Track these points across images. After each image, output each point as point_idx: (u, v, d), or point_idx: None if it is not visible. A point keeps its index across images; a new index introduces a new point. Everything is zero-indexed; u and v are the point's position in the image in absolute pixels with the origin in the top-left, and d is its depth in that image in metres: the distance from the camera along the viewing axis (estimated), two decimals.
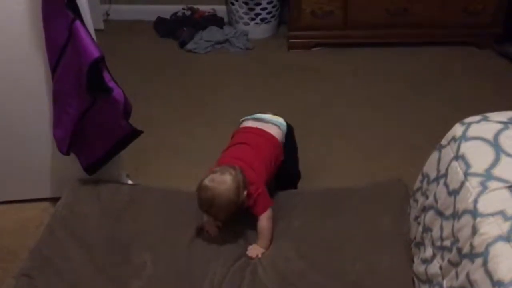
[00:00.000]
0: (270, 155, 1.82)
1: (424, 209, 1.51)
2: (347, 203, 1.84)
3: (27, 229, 2.18)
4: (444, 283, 1.27)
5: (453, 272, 1.23)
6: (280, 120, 1.94)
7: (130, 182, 2.20)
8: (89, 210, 1.88)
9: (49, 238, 1.75)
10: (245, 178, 1.67)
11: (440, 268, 1.31)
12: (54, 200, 2.17)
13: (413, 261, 1.56)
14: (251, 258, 1.70)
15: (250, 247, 1.73)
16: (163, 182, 2.13)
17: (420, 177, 1.62)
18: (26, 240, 2.00)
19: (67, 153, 1.96)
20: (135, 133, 1.89)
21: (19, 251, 2.01)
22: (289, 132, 1.98)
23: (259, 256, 1.70)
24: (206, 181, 1.64)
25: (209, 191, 1.62)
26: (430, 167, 1.53)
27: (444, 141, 1.49)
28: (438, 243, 1.36)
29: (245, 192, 1.66)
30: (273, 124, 1.91)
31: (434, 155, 1.53)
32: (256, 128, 1.89)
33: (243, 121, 1.98)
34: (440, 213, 1.38)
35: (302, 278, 1.59)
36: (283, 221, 1.82)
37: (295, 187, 2.04)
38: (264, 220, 1.72)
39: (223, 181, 1.63)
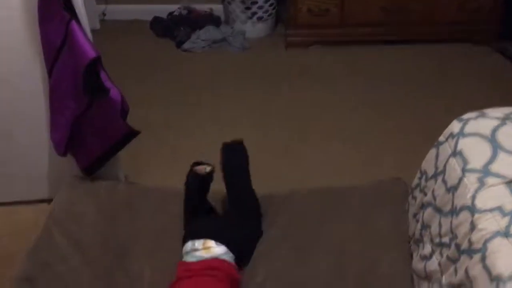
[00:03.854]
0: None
1: (423, 206, 1.51)
2: (346, 202, 1.84)
3: (24, 231, 2.17)
4: (443, 279, 1.27)
5: (452, 268, 1.23)
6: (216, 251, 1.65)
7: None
8: (85, 210, 1.85)
9: (46, 240, 1.73)
10: None
11: (439, 264, 1.31)
12: (51, 201, 2.16)
13: (412, 258, 1.56)
14: None
15: None
16: (161, 183, 2.12)
17: (418, 174, 1.62)
18: (24, 243, 1.99)
19: (64, 154, 1.95)
20: (133, 133, 1.89)
21: (16, 254, 2.01)
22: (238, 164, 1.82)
23: None
24: None
25: None
26: (428, 164, 1.53)
27: (442, 138, 1.49)
28: (437, 240, 1.36)
29: None
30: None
31: (432, 152, 1.52)
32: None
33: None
34: (438, 210, 1.38)
35: (301, 279, 1.58)
36: (280, 221, 1.81)
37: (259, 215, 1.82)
38: None
39: None
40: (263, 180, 1.98)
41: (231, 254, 1.66)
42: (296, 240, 1.73)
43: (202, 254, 1.63)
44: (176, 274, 1.61)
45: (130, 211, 1.88)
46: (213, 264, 1.60)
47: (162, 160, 2.46)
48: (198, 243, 1.66)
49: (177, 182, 2.14)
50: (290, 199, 1.91)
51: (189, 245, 1.67)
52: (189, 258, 1.65)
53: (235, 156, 1.85)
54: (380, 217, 1.74)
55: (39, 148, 2.10)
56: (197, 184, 1.83)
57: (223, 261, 1.63)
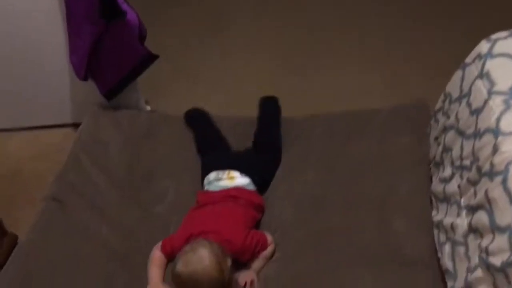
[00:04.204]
0: (243, 216, 1.57)
1: (445, 129, 1.49)
2: (367, 125, 1.83)
3: (51, 154, 2.24)
4: (462, 201, 1.28)
5: (471, 191, 1.24)
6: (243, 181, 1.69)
7: (148, 108, 2.21)
8: (110, 137, 1.90)
9: (73, 164, 1.79)
10: (223, 248, 1.41)
11: (459, 187, 1.32)
12: (75, 125, 2.20)
13: (431, 181, 1.57)
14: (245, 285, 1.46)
15: (243, 274, 1.48)
16: (181, 109, 2.14)
17: (442, 97, 1.58)
18: (52, 165, 2.06)
19: (85, 79, 1.96)
20: (151, 58, 1.87)
21: (46, 175, 2.08)
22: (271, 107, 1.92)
23: (255, 281, 1.47)
24: (180, 267, 1.34)
25: (187, 277, 1.33)
26: (453, 87, 1.49)
27: (468, 59, 1.44)
28: (458, 163, 1.35)
29: (229, 262, 1.39)
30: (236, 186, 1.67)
31: (458, 74, 1.48)
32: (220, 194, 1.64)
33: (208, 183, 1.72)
34: (461, 133, 1.36)
35: (321, 202, 1.61)
36: (300, 145, 1.82)
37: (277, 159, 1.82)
38: (270, 248, 1.53)
39: (199, 260, 1.34)
40: (283, 104, 1.98)
41: (253, 185, 1.69)
42: (316, 162, 1.75)
43: (226, 184, 1.67)
44: (196, 200, 1.66)
45: (153, 138, 1.92)
46: (233, 192, 1.64)
47: (181, 85, 2.45)
48: (223, 173, 1.69)
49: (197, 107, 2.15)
50: (310, 122, 1.91)
51: (212, 175, 1.70)
52: (211, 188, 1.69)
53: (271, 107, 1.96)
54: (401, 140, 1.73)
55: (62, 75, 2.12)
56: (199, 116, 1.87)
57: (244, 189, 1.66)
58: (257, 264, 1.50)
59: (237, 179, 1.68)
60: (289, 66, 2.55)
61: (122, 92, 2.02)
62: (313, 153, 1.78)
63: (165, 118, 2.03)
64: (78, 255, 1.50)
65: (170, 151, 1.87)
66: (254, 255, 1.48)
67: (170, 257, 1.48)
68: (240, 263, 1.48)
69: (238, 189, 1.65)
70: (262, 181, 1.72)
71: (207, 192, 1.68)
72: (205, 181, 1.72)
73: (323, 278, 1.40)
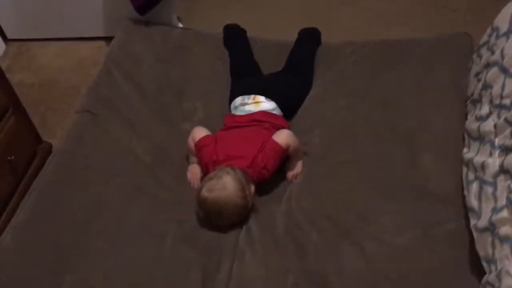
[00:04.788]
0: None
1: (488, 65, 1.42)
2: (405, 55, 1.76)
3: (85, 66, 2.26)
4: (496, 141, 1.25)
5: (508, 131, 1.20)
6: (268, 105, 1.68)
7: (181, 25, 2.17)
8: (142, 52, 1.89)
9: (106, 78, 1.80)
10: (247, 174, 1.44)
11: (495, 126, 1.28)
12: (108, 39, 2.20)
13: (466, 118, 1.53)
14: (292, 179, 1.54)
15: (288, 174, 1.54)
16: (214, 28, 2.09)
17: (489, 31, 1.50)
18: (85, 77, 2.08)
19: None
20: None
21: (80, 87, 2.12)
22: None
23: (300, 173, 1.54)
24: (205, 193, 1.38)
25: (211, 203, 1.38)
26: (502, 20, 1.41)
27: None
28: (497, 101, 1.30)
29: (252, 188, 1.43)
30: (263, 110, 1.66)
31: (508, 7, 1.39)
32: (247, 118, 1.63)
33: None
34: (505, 70, 1.30)
35: (350, 131, 1.60)
36: (334, 71, 1.78)
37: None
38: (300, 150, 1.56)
39: (223, 187, 1.38)
40: (323, 27, 1.91)
41: (279, 110, 1.68)
42: (349, 89, 1.71)
43: (251, 108, 1.66)
44: (224, 122, 1.67)
45: (185, 55, 1.90)
46: (258, 116, 1.63)
47: (215, 3, 2.38)
48: (248, 98, 1.68)
49: None
50: (346, 49, 1.85)
51: (238, 99, 1.70)
52: (237, 112, 1.68)
53: (310, 35, 1.91)
54: (439, 73, 1.67)
55: None
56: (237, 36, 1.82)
57: (270, 113, 1.65)
58: (294, 164, 1.55)
59: (263, 104, 1.67)
60: None
61: (154, 8, 1.98)
62: (347, 80, 1.74)
63: (198, 35, 1.99)
64: (109, 165, 1.55)
65: (201, 70, 1.85)
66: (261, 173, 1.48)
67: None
68: (264, 184, 1.51)
69: (263, 113, 1.65)
70: (289, 106, 1.71)
71: (234, 116, 1.68)
72: (232, 105, 1.72)
73: (344, 205, 1.42)
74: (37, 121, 1.91)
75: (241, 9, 2.34)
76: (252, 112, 1.65)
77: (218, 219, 1.40)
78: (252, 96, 1.69)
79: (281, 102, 1.69)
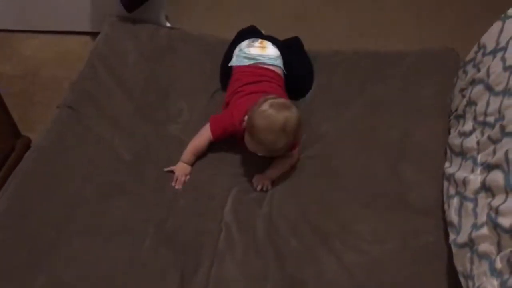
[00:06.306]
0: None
1: (473, 82, 1.44)
2: (393, 67, 1.77)
3: (69, 61, 2.22)
4: (479, 158, 1.26)
5: (490, 148, 1.21)
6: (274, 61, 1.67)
7: (168, 24, 2.15)
8: (127, 49, 1.86)
9: (90, 73, 1.77)
10: None
11: (478, 143, 1.29)
12: (93, 34, 2.16)
13: (449, 133, 1.54)
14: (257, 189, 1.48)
15: (256, 177, 1.50)
16: (201, 29, 2.07)
17: (475, 48, 1.51)
18: (68, 72, 2.04)
19: None
20: None
21: (63, 81, 2.08)
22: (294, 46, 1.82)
23: (268, 187, 1.49)
24: (265, 107, 1.35)
25: (273, 117, 1.34)
26: (489, 38, 1.42)
27: (510, 11, 1.36)
28: (481, 118, 1.32)
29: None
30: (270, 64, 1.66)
31: (496, 26, 1.41)
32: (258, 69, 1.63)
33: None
34: (489, 88, 1.31)
35: (333, 140, 1.60)
36: (321, 79, 1.78)
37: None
38: (296, 156, 1.54)
39: (283, 104, 1.37)
40: (308, 38, 1.91)
41: (281, 61, 1.66)
42: (333, 99, 1.72)
43: (256, 52, 1.64)
44: (224, 101, 1.64)
45: (171, 54, 1.88)
46: (269, 73, 1.61)
47: (204, 5, 2.37)
48: (255, 41, 1.68)
49: (217, 29, 2.08)
50: (334, 58, 1.85)
51: (245, 42, 1.68)
52: (240, 59, 1.65)
53: (294, 41, 1.86)
54: (424, 86, 1.69)
55: None
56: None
57: (273, 71, 1.63)
58: (273, 171, 1.50)
59: (269, 49, 1.66)
60: None
61: (143, 6, 1.96)
62: (333, 89, 1.75)
63: (185, 35, 1.97)
64: (89, 163, 1.52)
65: (187, 71, 1.83)
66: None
67: (220, 138, 1.53)
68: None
69: (271, 71, 1.62)
70: (289, 67, 1.68)
71: (232, 86, 1.62)
72: (236, 50, 1.69)
73: (325, 213, 1.42)
74: (17, 114, 1.86)
75: (230, 11, 2.33)
76: (256, 57, 1.63)
77: (278, 139, 1.36)
78: (259, 40, 1.68)
79: (284, 54, 1.68)
